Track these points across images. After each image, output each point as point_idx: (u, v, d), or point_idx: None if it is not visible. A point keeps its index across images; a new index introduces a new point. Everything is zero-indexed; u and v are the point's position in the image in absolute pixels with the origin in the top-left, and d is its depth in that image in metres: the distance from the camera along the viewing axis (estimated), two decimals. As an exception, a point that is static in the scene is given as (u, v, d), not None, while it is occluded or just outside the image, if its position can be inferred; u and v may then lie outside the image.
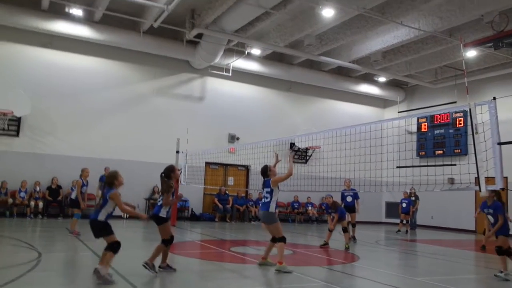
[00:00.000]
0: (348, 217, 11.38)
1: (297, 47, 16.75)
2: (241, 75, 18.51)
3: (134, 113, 16.80)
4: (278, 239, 7.25)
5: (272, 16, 13.72)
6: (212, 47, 16.09)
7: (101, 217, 5.74)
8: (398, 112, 20.55)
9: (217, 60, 16.98)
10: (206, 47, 16.13)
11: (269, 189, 7.27)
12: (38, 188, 14.69)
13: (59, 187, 15.09)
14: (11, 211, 14.23)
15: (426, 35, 14.78)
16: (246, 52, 17.11)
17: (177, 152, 14.74)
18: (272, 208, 7.22)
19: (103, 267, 5.50)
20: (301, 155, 19.96)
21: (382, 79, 20.45)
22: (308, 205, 19.45)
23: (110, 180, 5.86)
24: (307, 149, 19.55)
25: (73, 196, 10.71)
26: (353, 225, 12.11)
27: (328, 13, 12.74)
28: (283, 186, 12.79)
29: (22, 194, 14.46)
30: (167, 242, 6.41)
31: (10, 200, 14.19)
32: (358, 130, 9.42)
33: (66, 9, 14.15)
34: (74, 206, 10.71)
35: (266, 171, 7.43)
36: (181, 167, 14.85)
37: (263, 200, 7.44)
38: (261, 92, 19.62)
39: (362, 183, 10.35)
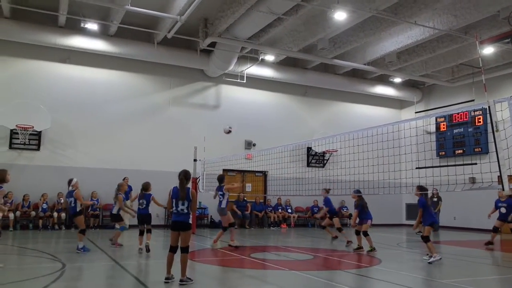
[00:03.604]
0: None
1: (310, 51, 16.75)
2: (255, 82, 18.57)
3: (151, 123, 16.99)
4: (230, 225, 10.61)
5: (284, 22, 13.74)
6: (225, 55, 16.20)
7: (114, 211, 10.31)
8: (416, 112, 20.34)
9: (231, 67, 17.08)
10: (220, 55, 16.26)
11: (222, 193, 10.74)
12: (61, 200, 14.93)
13: None
14: (34, 224, 14.49)
15: (441, 34, 14.61)
16: (260, 58, 17.16)
17: (195, 160, 14.82)
18: (224, 205, 10.73)
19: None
20: (318, 159, 19.87)
21: (397, 79, 20.27)
22: (328, 209, 19.29)
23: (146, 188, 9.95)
24: (324, 153, 19.44)
25: (114, 211, 10.86)
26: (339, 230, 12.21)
27: (340, 16, 12.70)
28: (302, 191, 12.83)
29: (45, 206, 14.71)
30: (188, 249, 6.44)
31: (33, 213, 14.45)
32: (375, 132, 9.35)
33: (82, 24, 14.47)
34: (116, 220, 11.07)
35: (222, 179, 10.94)
36: (199, 175, 14.94)
37: (219, 199, 10.76)
38: (276, 98, 19.64)
39: (381, 185, 10.23)
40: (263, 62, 17.72)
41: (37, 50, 15.23)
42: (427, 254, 9.01)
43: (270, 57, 17.37)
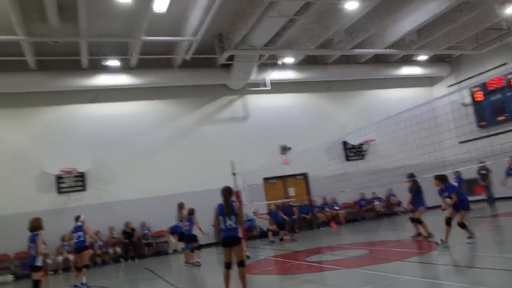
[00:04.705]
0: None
1: (328, 46, 16.57)
2: (279, 86, 18.52)
3: (185, 145, 17.19)
4: None
5: (297, 22, 13.69)
6: (245, 65, 16.28)
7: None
8: (448, 86, 19.76)
9: (252, 77, 17.14)
10: (240, 67, 16.35)
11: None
12: (114, 234, 15.32)
13: (133, 230, 15.62)
14: (93, 261, 14.87)
15: (458, 2, 14.14)
16: (280, 62, 17.14)
17: (234, 174, 14.88)
18: None
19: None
20: (356, 152, 19.55)
21: (422, 57, 19.75)
22: (375, 200, 18.95)
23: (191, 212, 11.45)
24: (361, 144, 19.12)
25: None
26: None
27: (351, 5, 12.55)
28: (346, 187, 12.64)
29: (100, 243, 15.11)
30: (244, 263, 6.46)
31: (90, 251, 14.84)
32: (410, 115, 9.12)
33: (104, 63, 14.95)
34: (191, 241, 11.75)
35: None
36: (240, 188, 14.99)
37: None
38: (303, 98, 19.52)
39: (426, 167, 9.96)
40: (283, 66, 17.69)
41: (66, 95, 15.81)
42: (442, 240, 8.42)
43: (289, 60, 17.33)
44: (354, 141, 18.64)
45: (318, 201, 18.58)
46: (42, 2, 10.98)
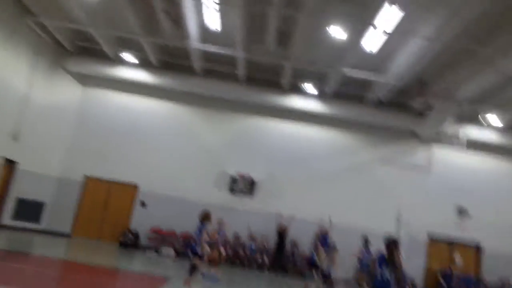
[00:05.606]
0: None
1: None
2: (475, 145, 16.78)
3: (357, 180, 17.05)
4: None
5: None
6: (441, 116, 15.24)
7: None
8: None
9: (446, 129, 15.99)
10: (435, 116, 15.36)
11: None
12: (266, 245, 16.07)
13: (284, 233, 15.88)
14: (242, 262, 15.79)
15: None
16: (484, 121, 15.55)
17: (398, 221, 14.13)
18: None
19: None
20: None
21: None
22: None
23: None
24: None
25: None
26: None
27: None
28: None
29: (253, 247, 16.03)
30: None
31: (242, 253, 15.88)
32: None
33: (301, 87, 15.85)
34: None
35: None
36: (401, 238, 14.16)
37: None
38: (499, 165, 17.35)
39: None
40: (487, 125, 16.08)
41: (262, 108, 17.21)
42: None
43: (495, 120, 15.58)
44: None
45: (491, 280, 16.21)
46: (265, 26, 12.19)
